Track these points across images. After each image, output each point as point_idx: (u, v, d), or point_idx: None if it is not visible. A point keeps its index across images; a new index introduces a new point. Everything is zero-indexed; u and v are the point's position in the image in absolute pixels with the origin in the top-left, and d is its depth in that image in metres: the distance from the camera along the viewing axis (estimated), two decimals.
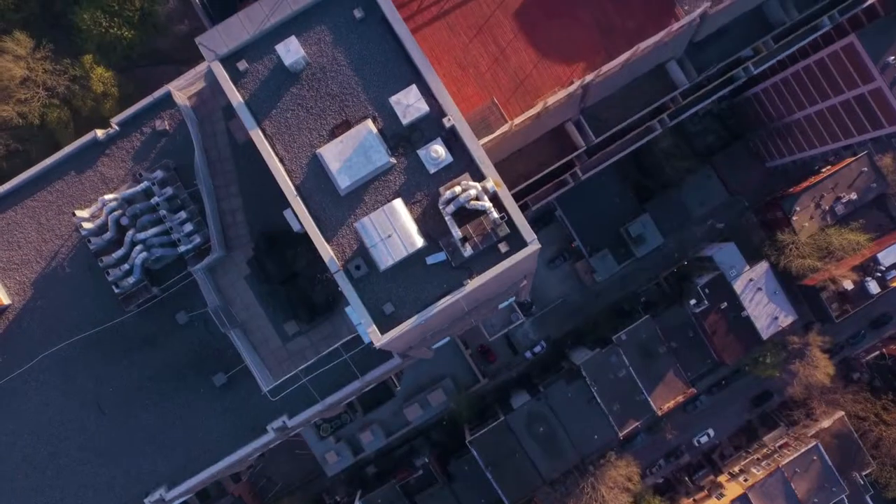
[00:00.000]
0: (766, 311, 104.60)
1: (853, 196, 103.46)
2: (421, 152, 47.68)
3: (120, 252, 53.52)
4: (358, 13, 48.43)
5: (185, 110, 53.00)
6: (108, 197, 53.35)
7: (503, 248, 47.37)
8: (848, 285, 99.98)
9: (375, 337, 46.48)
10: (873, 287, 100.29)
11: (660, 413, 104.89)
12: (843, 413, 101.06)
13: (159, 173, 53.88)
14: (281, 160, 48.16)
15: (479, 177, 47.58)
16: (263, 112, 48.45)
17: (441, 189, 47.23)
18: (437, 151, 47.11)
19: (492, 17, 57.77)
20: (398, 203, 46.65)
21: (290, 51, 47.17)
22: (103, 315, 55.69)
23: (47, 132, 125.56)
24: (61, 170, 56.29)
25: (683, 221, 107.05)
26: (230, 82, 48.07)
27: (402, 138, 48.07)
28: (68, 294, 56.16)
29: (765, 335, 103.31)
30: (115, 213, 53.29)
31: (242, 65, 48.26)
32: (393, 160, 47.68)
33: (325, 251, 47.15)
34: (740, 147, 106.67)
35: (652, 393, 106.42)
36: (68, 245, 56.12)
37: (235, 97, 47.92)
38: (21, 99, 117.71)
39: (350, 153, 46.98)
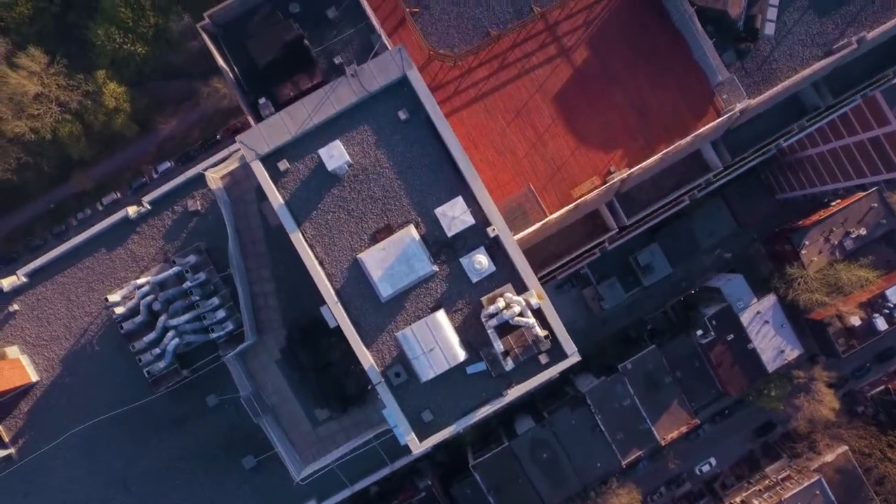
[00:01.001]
0: (772, 344, 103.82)
1: (862, 231, 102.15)
2: (464, 261, 46.09)
3: (151, 336, 51.91)
4: (402, 114, 46.51)
5: (218, 194, 51.04)
6: (140, 281, 51.53)
7: (543, 359, 46.08)
8: (855, 321, 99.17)
9: (414, 444, 45.40)
10: (881, 324, 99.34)
11: (663, 443, 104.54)
12: (847, 448, 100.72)
13: (192, 258, 52.08)
14: (321, 263, 46.46)
15: (521, 287, 45.96)
16: (304, 214, 46.61)
17: (483, 300, 45.72)
18: (481, 262, 45.57)
19: (530, 101, 55.75)
20: (441, 316, 45.19)
21: (334, 156, 45.28)
22: (132, 394, 54.23)
23: (58, 146, 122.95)
24: (92, 246, 54.38)
25: (692, 251, 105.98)
26: (270, 182, 46.18)
27: (445, 245, 46.54)
28: (97, 372, 54.61)
29: (770, 368, 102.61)
30: (148, 297, 51.41)
31: (283, 164, 46.32)
32: (435, 268, 46.11)
33: (365, 357, 45.74)
34: (751, 179, 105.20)
35: (656, 423, 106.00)
36: (98, 322, 54.42)
37: (276, 198, 46.04)
38: (34, 114, 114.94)
39: (392, 261, 45.32)
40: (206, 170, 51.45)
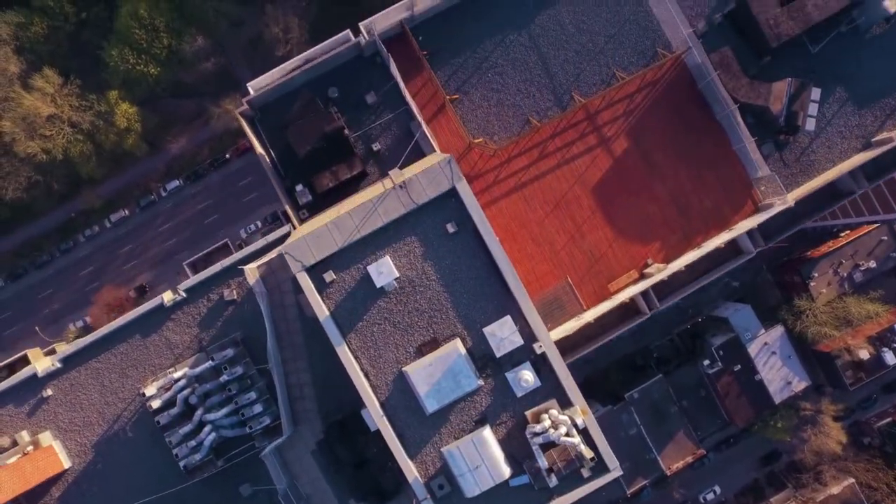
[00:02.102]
0: (779, 376, 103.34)
1: (872, 264, 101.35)
2: (509, 375, 45.14)
3: (187, 428, 50.82)
4: (451, 227, 45.25)
5: (256, 289, 49.74)
6: (176, 375, 50.31)
7: (586, 472, 45.30)
8: (864, 355, 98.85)
9: None
10: (890, 358, 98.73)
11: (669, 473, 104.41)
12: (853, 481, 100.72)
13: (229, 351, 50.87)
14: (366, 375, 45.41)
15: (565, 402, 45.11)
16: (349, 325, 45.43)
17: (528, 414, 44.89)
18: (527, 378, 44.70)
19: (569, 192, 54.56)
20: (488, 433, 44.33)
21: (383, 273, 44.08)
22: (164, 481, 53.23)
23: (68, 164, 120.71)
24: (126, 333, 53.01)
25: None
26: (316, 294, 44.92)
27: (491, 359, 45.65)
28: (129, 458, 53.51)
29: (777, 399, 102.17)
30: (185, 391, 50.21)
31: (329, 276, 45.02)
32: (481, 382, 45.16)
33: (409, 469, 44.99)
34: None
35: (661, 452, 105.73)
36: (131, 409, 53.21)
37: (321, 310, 44.81)
38: (46, 135, 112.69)
39: (439, 377, 44.35)
40: (247, 268, 49.65)
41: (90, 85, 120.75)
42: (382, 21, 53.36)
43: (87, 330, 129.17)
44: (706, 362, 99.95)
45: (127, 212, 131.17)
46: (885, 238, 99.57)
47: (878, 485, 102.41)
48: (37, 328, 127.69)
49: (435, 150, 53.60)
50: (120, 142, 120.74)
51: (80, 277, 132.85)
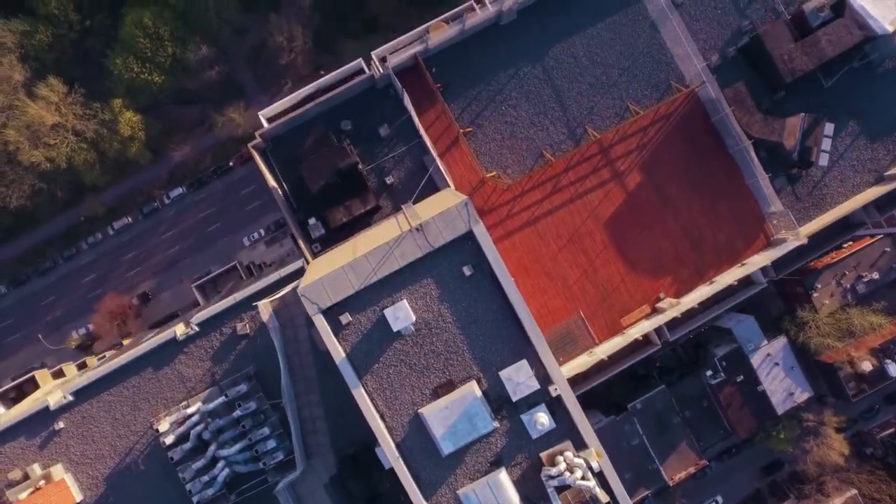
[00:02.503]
0: (781, 387, 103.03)
1: (875, 276, 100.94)
2: (524, 417, 45.02)
3: (200, 463, 50.64)
4: (467, 270, 45.00)
5: (270, 325, 49.56)
6: (189, 411, 50.09)
7: None
8: (867, 367, 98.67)
9: None
10: (892, 369, 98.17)
11: (671, 484, 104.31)
12: (856, 492, 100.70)
13: (243, 387, 50.65)
14: (382, 416, 45.21)
15: (580, 443, 44.99)
16: (365, 366, 45.24)
17: (543, 456, 44.79)
18: (542, 421, 44.61)
19: (582, 226, 54.36)
20: (503, 476, 44.29)
21: (400, 318, 43.92)
22: None
23: (72, 172, 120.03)
24: (139, 366, 52.72)
25: None
26: (332, 336, 44.66)
27: (506, 401, 45.52)
28: (141, 492, 53.37)
29: (780, 410, 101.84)
30: (198, 427, 49.96)
31: (345, 318, 44.75)
32: (496, 424, 44.97)
33: None
34: None
35: (664, 463, 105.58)
36: (143, 442, 52.98)
37: (338, 353, 44.61)
38: (50, 143, 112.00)
39: (455, 419, 44.23)
40: (261, 304, 49.35)
41: (94, 92, 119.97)
42: (396, 54, 52.70)
43: (89, 337, 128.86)
44: (709, 373, 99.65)
45: (130, 219, 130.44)
46: (888, 250, 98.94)
47: (880, 496, 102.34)
48: (40, 336, 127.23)
49: (448, 185, 53.33)
50: (124, 150, 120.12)
51: (82, 284, 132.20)
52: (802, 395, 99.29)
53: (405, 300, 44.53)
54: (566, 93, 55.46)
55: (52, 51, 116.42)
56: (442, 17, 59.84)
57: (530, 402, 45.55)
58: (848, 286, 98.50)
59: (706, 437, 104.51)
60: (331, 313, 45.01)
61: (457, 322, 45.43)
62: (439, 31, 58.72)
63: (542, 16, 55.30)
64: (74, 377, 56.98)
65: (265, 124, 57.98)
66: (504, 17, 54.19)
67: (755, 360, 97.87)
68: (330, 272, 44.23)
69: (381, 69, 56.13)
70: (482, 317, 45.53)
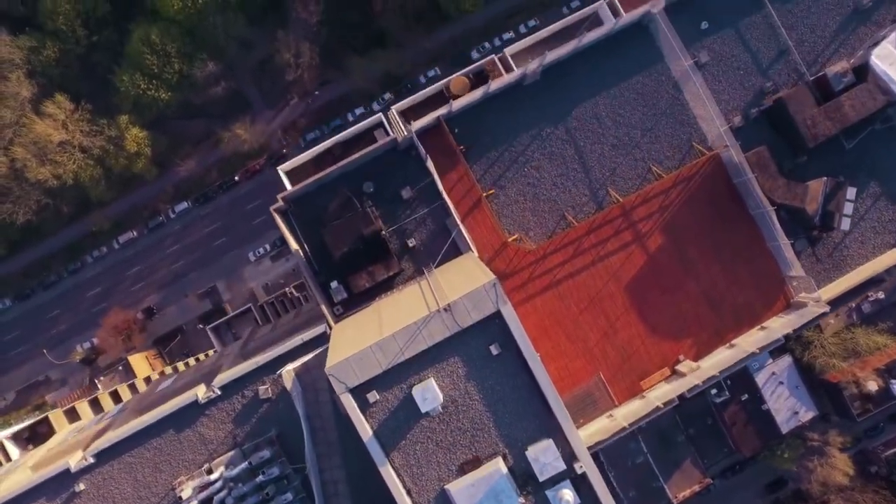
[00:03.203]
0: (786, 405, 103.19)
1: (881, 295, 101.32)
2: (549, 493, 45.33)
3: None
4: (494, 349, 44.88)
5: (293, 393, 49.56)
6: (212, 477, 50.01)
7: None
8: (872, 387, 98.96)
9: None
10: None
11: (675, 502, 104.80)
12: None
13: (266, 452, 50.64)
14: (408, 492, 45.36)
15: None
16: (392, 443, 45.23)
17: None
18: (567, 497, 44.92)
19: (603, 289, 54.22)
20: None
21: (428, 399, 43.91)
22: None
23: (78, 188, 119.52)
24: (160, 428, 52.56)
25: None
26: (360, 414, 44.69)
27: (531, 477, 45.63)
28: None
29: (784, 430, 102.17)
30: (221, 493, 49.93)
31: (373, 396, 44.71)
32: (521, 500, 45.01)
33: None
34: None
35: (668, 481, 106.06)
36: None
37: (365, 431, 44.62)
38: (57, 160, 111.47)
39: (481, 496, 44.42)
40: (285, 371, 49.24)
41: (100, 107, 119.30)
42: (420, 118, 52.36)
43: (93, 351, 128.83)
44: (714, 391, 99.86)
45: (135, 233, 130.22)
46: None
47: None
48: (44, 351, 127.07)
49: (471, 248, 53.10)
50: (130, 165, 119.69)
51: (87, 298, 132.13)
52: (807, 415, 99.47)
53: (432, 378, 44.47)
54: (589, 154, 55.14)
55: (58, 66, 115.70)
56: (462, 71, 59.39)
57: (556, 478, 45.49)
58: (853, 305, 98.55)
59: (710, 455, 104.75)
60: (358, 391, 44.86)
61: (483, 400, 45.39)
62: (459, 85, 58.40)
63: (566, 75, 54.85)
64: (94, 435, 56.66)
65: (285, 180, 57.66)
66: (528, 78, 53.67)
67: (760, 378, 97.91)
68: (358, 352, 44.06)
69: (403, 129, 55.79)
70: (508, 395, 45.51)
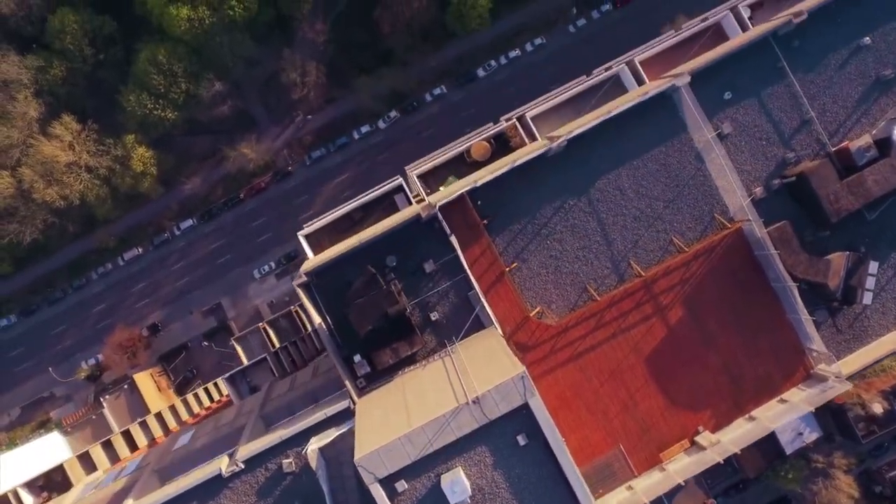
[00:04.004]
0: (790, 426, 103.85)
1: None
2: None
3: None
4: (522, 440, 45.03)
5: (317, 469, 49.52)
6: None
7: None
8: (877, 409, 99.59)
9: None
10: None
11: None
12: None
13: None
14: None
15: None
16: None
17: None
18: None
19: (624, 362, 54.33)
20: None
21: (457, 492, 44.09)
22: None
23: (84, 207, 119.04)
24: (183, 500, 52.37)
25: None
26: (386, 500, 44.57)
27: None
28: None
29: (788, 450, 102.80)
30: None
31: (401, 485, 44.96)
32: None
33: None
34: None
35: (673, 501, 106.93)
36: None
37: None
38: (64, 181, 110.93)
39: None
40: (310, 448, 49.30)
41: (106, 125, 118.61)
42: (443, 195, 52.05)
43: (98, 368, 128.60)
44: None
45: (140, 250, 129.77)
46: None
47: None
48: (50, 369, 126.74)
49: (493, 322, 53.11)
50: (136, 184, 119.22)
51: (92, 315, 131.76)
52: (811, 436, 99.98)
53: (460, 468, 44.52)
54: (611, 226, 55.02)
55: (65, 85, 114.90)
56: (482, 136, 59.07)
57: None
58: None
59: (714, 475, 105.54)
60: (387, 481, 44.93)
61: (510, 488, 45.63)
62: (480, 151, 58.24)
63: (590, 147, 54.54)
64: (112, 499, 56.56)
65: (305, 246, 57.48)
66: (552, 150, 53.37)
67: None
68: (386, 443, 44.10)
69: (423, 193, 55.56)
70: (535, 484, 45.87)
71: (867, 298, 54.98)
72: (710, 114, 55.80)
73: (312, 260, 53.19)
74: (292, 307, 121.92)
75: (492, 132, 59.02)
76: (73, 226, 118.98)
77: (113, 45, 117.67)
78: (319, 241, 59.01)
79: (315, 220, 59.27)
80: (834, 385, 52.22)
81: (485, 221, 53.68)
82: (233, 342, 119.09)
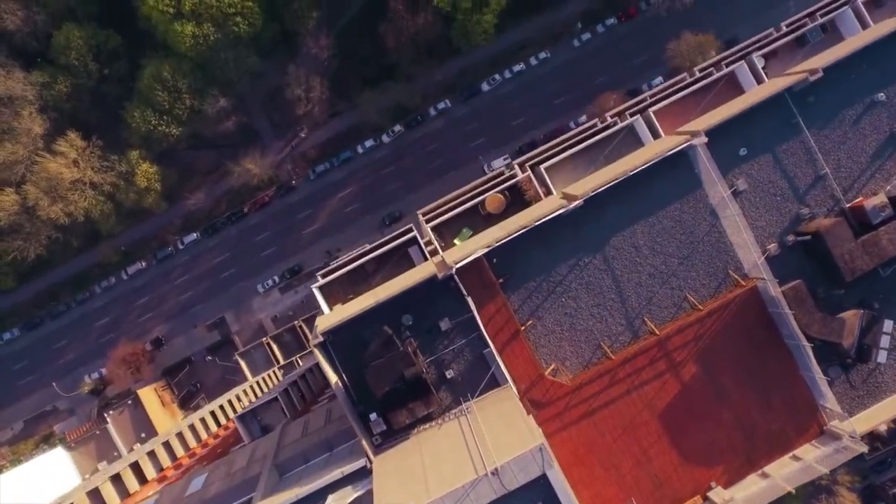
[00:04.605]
0: None
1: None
2: None
3: None
4: None
5: None
6: None
7: None
8: (881, 426, 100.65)
9: None
10: None
11: None
12: None
13: None
14: None
15: None
16: None
17: None
18: None
19: (637, 417, 54.62)
20: None
21: None
22: None
23: (88, 222, 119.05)
24: None
25: None
26: None
27: None
28: None
29: None
30: None
31: None
32: None
33: None
34: None
35: None
36: None
37: None
38: (68, 199, 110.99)
39: None
40: (322, 496, 49.65)
41: (110, 139, 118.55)
42: (460, 255, 52.11)
43: (102, 381, 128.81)
44: None
45: (144, 264, 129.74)
46: None
47: None
48: (54, 384, 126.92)
49: (508, 381, 53.39)
50: (140, 200, 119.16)
51: (95, 328, 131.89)
52: None
53: None
54: (626, 283, 55.15)
55: (69, 100, 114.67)
56: (497, 189, 59.05)
57: None
58: None
59: None
60: None
61: None
62: (495, 203, 58.24)
63: (605, 204, 54.54)
64: None
65: (320, 299, 57.45)
66: (568, 209, 53.39)
67: None
68: None
69: (438, 246, 55.58)
70: None
71: (882, 357, 55.32)
72: (725, 170, 55.83)
73: (328, 318, 53.16)
74: (296, 322, 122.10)
75: (506, 184, 58.92)
76: (77, 240, 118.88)
77: (117, 59, 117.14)
78: (333, 292, 58.95)
79: (328, 270, 59.18)
80: (849, 446, 52.21)
81: (500, 280, 53.66)
82: (237, 357, 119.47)
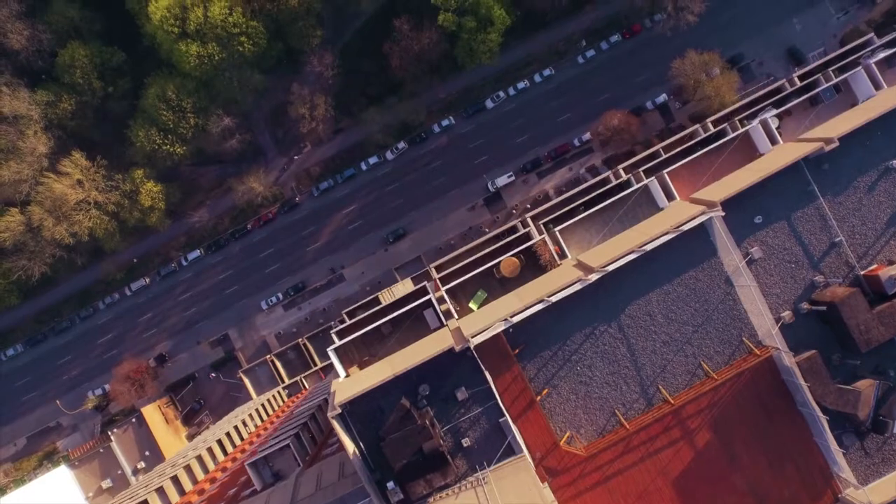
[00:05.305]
0: None
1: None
2: None
3: None
4: None
5: None
6: None
7: None
8: None
9: None
10: None
11: None
12: None
13: None
14: None
15: None
16: None
17: None
18: None
19: (651, 484, 54.96)
20: None
21: None
22: None
23: (92, 241, 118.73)
24: None
25: None
26: None
27: None
28: None
29: None
30: None
31: None
32: None
33: None
34: None
35: None
36: None
37: None
38: (73, 219, 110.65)
39: None
40: None
41: (114, 157, 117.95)
42: (476, 329, 52.12)
43: (105, 398, 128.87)
44: None
45: (147, 280, 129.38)
46: None
47: None
48: (57, 402, 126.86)
49: (523, 450, 53.56)
50: (144, 219, 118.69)
51: (98, 345, 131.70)
52: None
53: None
54: (640, 351, 55.26)
55: (74, 118, 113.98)
56: (511, 252, 58.96)
57: None
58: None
59: None
60: None
61: None
62: (510, 267, 58.08)
63: (620, 273, 54.46)
64: None
65: (335, 360, 57.50)
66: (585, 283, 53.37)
67: None
68: None
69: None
70: None
71: None
72: (740, 238, 55.86)
73: (345, 390, 53.16)
74: (300, 339, 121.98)
75: (518, 248, 58.84)
76: (81, 258, 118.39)
77: (122, 76, 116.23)
78: (347, 353, 58.93)
79: (344, 331, 59.10)
80: None
81: (516, 351, 53.65)
82: (241, 374, 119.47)
